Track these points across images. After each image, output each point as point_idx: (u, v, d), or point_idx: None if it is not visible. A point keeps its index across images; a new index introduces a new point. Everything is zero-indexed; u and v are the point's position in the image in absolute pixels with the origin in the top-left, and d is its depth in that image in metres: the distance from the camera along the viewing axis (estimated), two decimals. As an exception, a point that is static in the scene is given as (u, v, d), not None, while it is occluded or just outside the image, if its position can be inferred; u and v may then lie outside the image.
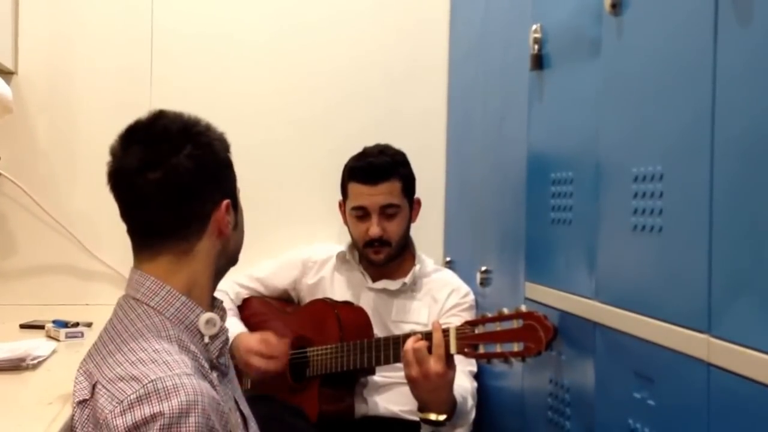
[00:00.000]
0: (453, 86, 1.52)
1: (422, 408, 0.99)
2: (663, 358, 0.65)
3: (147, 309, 0.66)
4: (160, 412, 0.57)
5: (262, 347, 1.13)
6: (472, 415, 1.10)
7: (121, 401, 0.59)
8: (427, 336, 0.98)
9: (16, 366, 0.87)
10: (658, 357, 0.66)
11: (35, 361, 0.90)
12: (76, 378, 0.65)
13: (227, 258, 0.73)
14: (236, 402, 0.73)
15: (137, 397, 0.58)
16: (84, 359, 0.67)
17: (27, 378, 0.86)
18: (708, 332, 0.58)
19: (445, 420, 0.99)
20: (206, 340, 0.67)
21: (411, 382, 0.98)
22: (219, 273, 0.72)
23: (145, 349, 0.62)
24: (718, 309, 0.58)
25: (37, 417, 0.69)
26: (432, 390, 0.97)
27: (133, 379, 0.60)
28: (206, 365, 0.66)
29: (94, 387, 0.62)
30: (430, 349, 0.95)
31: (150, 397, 0.58)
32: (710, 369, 0.58)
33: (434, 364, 0.94)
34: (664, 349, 0.65)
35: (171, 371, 0.60)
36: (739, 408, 0.55)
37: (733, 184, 0.57)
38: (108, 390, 0.60)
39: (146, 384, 0.59)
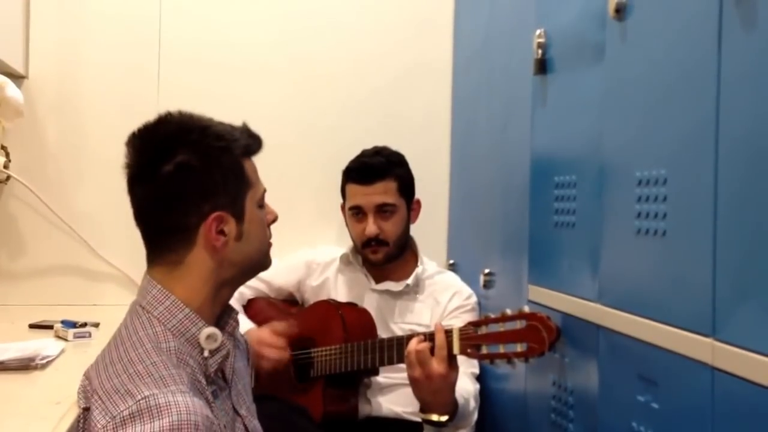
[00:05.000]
0: (457, 90, 1.53)
1: (424, 409, 1.00)
2: (667, 361, 0.65)
3: (150, 318, 0.66)
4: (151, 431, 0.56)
5: (274, 339, 1.14)
6: (474, 416, 1.10)
7: (114, 417, 0.58)
8: (430, 337, 0.98)
9: (25, 365, 0.88)
10: (662, 360, 0.66)
11: (44, 361, 0.91)
12: (82, 381, 0.66)
13: (235, 270, 0.69)
14: (240, 416, 0.71)
15: (129, 414, 0.58)
16: (94, 361, 0.68)
17: (36, 377, 0.87)
18: (712, 336, 0.59)
19: (447, 421, 0.99)
20: (206, 354, 0.66)
21: (413, 383, 0.98)
22: (226, 284, 0.70)
23: (143, 361, 0.62)
24: (723, 313, 0.58)
25: (46, 416, 0.70)
26: (434, 391, 0.97)
27: (127, 393, 0.59)
28: (203, 381, 0.65)
29: (92, 395, 0.62)
30: (432, 351, 0.96)
31: (142, 414, 0.57)
32: (714, 372, 0.58)
33: (437, 366, 0.95)
34: (668, 352, 0.65)
35: (165, 387, 0.59)
36: (743, 412, 0.55)
37: (738, 188, 0.57)
38: (103, 402, 0.60)
39: (139, 400, 0.58)
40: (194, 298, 0.67)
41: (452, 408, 1.00)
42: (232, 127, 0.70)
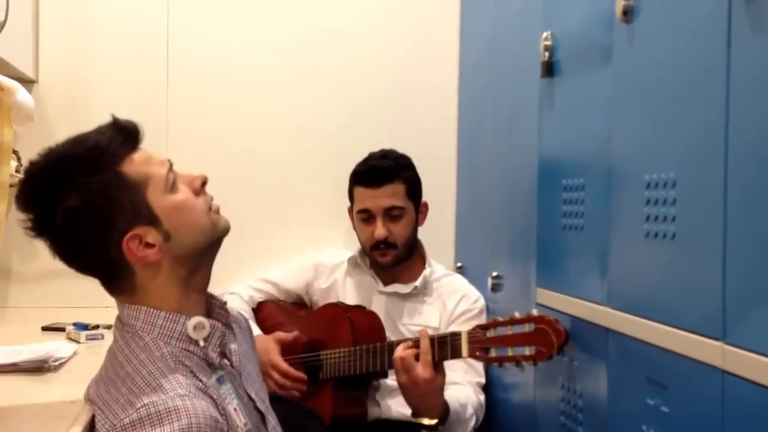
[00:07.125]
0: (464, 93, 1.53)
1: (415, 413, 1.02)
2: (677, 364, 0.65)
3: (136, 333, 0.66)
4: None
5: (284, 367, 1.12)
6: (472, 423, 1.11)
7: (114, 425, 0.59)
8: (416, 343, 0.99)
9: (38, 367, 0.89)
10: (671, 364, 0.66)
11: (57, 363, 0.92)
12: (84, 395, 0.67)
13: (188, 261, 0.66)
14: (252, 399, 0.71)
15: (130, 422, 0.58)
16: (94, 378, 0.68)
17: (49, 379, 0.88)
18: (722, 339, 0.58)
19: (437, 424, 1.00)
20: (201, 344, 0.66)
21: (401, 388, 1.00)
22: (191, 274, 0.67)
23: (140, 372, 0.62)
24: (733, 316, 0.58)
25: (59, 417, 0.70)
26: (421, 396, 0.99)
27: (127, 402, 0.60)
28: (205, 378, 0.65)
29: (92, 405, 0.63)
30: (418, 356, 0.97)
31: (143, 422, 0.57)
32: (725, 376, 0.58)
33: (421, 371, 0.96)
34: (678, 356, 0.64)
35: (164, 394, 0.59)
36: (753, 415, 0.55)
37: (747, 191, 0.57)
38: (103, 412, 0.61)
39: (139, 408, 0.58)
40: (168, 303, 0.66)
41: (442, 411, 1.01)
42: (97, 135, 0.65)
